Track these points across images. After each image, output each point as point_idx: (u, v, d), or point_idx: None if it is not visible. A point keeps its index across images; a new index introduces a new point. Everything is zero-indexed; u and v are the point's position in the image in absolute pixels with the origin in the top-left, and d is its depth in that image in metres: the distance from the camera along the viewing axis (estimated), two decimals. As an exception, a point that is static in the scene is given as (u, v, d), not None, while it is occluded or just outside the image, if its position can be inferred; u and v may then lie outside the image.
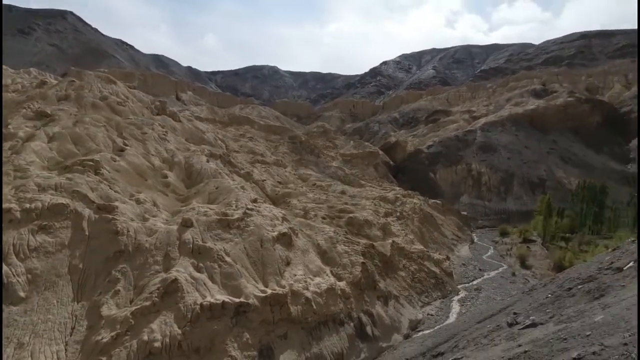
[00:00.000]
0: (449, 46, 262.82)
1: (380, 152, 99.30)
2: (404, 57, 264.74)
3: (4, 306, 14.69)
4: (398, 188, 72.63)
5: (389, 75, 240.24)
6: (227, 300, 17.66)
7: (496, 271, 43.08)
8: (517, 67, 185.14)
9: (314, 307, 20.67)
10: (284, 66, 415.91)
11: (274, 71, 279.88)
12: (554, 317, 10.91)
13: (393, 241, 35.35)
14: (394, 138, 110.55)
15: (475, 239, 63.67)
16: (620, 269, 12.08)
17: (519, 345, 9.00)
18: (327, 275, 24.24)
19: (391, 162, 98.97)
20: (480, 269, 44.10)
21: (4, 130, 27.48)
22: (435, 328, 25.14)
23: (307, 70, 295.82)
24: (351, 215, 38.30)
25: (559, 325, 9.25)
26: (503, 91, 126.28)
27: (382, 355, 22.20)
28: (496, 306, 20.03)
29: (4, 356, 13.55)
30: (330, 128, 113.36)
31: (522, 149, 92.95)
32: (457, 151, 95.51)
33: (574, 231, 56.42)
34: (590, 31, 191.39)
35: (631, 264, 12.17)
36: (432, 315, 29.64)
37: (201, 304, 16.77)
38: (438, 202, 68.35)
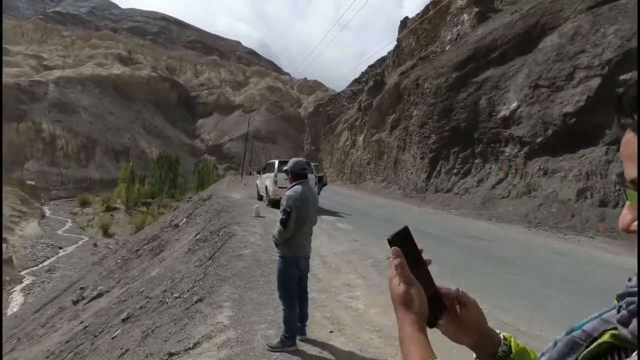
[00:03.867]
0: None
1: None
2: None
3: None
4: None
5: None
6: None
7: (75, 245, 38.20)
8: (102, 24, 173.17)
9: None
10: None
11: None
12: (120, 281, 10.16)
13: None
14: None
15: (48, 213, 53.35)
16: (177, 225, 13.14)
17: (81, 322, 7.48)
18: None
19: None
20: (54, 247, 37.12)
21: None
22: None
23: None
24: None
25: (123, 288, 8.62)
26: (84, 46, 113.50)
27: None
28: (62, 285, 17.14)
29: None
30: None
31: (107, 114, 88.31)
32: (19, 104, 74.86)
33: (154, 196, 60.98)
34: (171, 16, 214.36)
35: (185, 219, 13.56)
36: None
37: None
38: (-10, 168, 49.99)
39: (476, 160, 17.65)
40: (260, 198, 14.06)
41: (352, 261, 5.94)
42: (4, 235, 34.21)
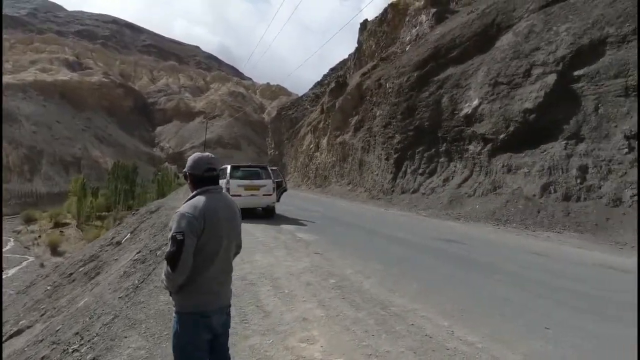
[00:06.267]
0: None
1: None
2: None
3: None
4: None
5: None
6: None
7: (19, 267, 34.37)
8: (45, 27, 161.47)
9: None
10: None
11: None
12: (45, 314, 8.79)
13: None
14: None
15: (-15, 233, 48.05)
16: (119, 243, 11.68)
17: None
18: None
19: None
20: (-8, 272, 33.23)
21: None
22: None
23: None
24: None
25: (46, 323, 7.33)
26: (26, 50, 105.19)
27: None
28: None
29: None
30: None
31: (53, 123, 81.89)
32: (-47, 114, 67.75)
33: (110, 209, 57.02)
34: (122, 19, 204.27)
35: (128, 235, 12.05)
36: None
37: None
38: None
39: (441, 159, 17.39)
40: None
41: (312, 282, 5.02)
42: None
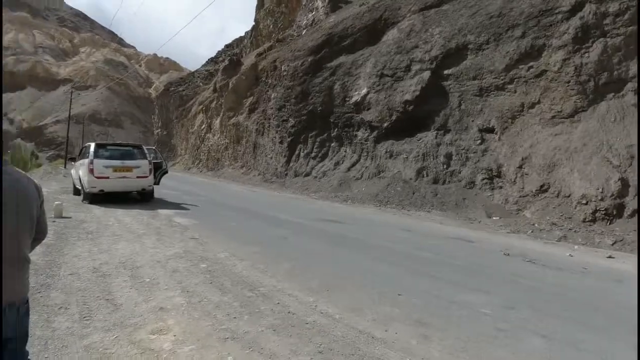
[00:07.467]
0: None
1: None
2: None
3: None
4: None
5: None
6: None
7: None
8: None
9: None
10: None
11: None
12: None
13: None
14: None
15: None
16: None
17: None
18: None
19: None
20: None
21: None
22: None
23: None
24: None
25: None
26: None
27: None
28: None
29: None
30: None
31: None
32: None
33: None
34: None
35: None
36: None
37: None
38: None
39: (333, 144, 18.03)
40: (76, 192, 10.91)
41: (179, 269, 4.51)
42: None
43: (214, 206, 10.99)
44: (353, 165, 16.49)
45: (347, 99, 17.81)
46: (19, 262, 1.66)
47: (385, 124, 15.85)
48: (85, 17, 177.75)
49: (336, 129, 17.98)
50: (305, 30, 25.39)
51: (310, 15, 26.34)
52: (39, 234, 1.81)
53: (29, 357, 1.74)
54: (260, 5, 37.33)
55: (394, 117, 15.69)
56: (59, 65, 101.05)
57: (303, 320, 3.24)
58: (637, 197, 8.34)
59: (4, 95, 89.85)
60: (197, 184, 19.56)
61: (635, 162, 8.77)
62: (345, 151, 17.36)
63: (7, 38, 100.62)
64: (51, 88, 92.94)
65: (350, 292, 4.03)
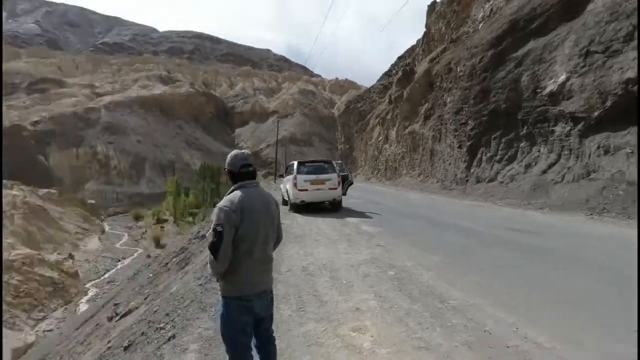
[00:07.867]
0: (56, 0, 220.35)
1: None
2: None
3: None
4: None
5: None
6: None
7: (132, 257, 40.56)
8: (143, 49, 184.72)
9: None
10: None
11: None
12: (147, 297, 10.07)
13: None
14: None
15: (107, 228, 57.22)
16: (204, 236, 12.78)
17: (108, 342, 7.31)
18: None
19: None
20: (113, 259, 39.61)
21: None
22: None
23: None
24: None
25: (148, 305, 8.41)
26: (129, 71, 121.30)
27: None
28: (100, 302, 17.71)
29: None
30: None
31: (152, 132, 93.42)
32: (78, 131, 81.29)
33: (199, 206, 63.25)
34: (204, 33, 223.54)
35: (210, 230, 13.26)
36: (50, 331, 22.34)
37: None
38: (53, 191, 54.66)
39: (522, 144, 15.85)
40: (284, 203, 13.52)
41: (370, 274, 5.09)
42: (72, 253, 37.08)
43: (394, 214, 11.52)
44: (550, 166, 14.01)
45: (539, 90, 15.35)
46: (269, 261, 2.44)
47: (596, 113, 12.81)
48: (285, 60, 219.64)
49: (526, 127, 15.73)
50: (481, 24, 23.38)
51: (487, 5, 24.09)
52: (279, 239, 2.59)
53: (273, 334, 2.51)
54: (431, 10, 36.67)
55: (608, 103, 12.53)
56: (269, 101, 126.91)
57: (503, 343, 3.04)
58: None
59: (239, 129, 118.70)
60: (378, 193, 20.74)
61: None
62: (539, 151, 14.93)
63: (237, 87, 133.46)
64: (264, 120, 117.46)
65: (559, 317, 3.52)
